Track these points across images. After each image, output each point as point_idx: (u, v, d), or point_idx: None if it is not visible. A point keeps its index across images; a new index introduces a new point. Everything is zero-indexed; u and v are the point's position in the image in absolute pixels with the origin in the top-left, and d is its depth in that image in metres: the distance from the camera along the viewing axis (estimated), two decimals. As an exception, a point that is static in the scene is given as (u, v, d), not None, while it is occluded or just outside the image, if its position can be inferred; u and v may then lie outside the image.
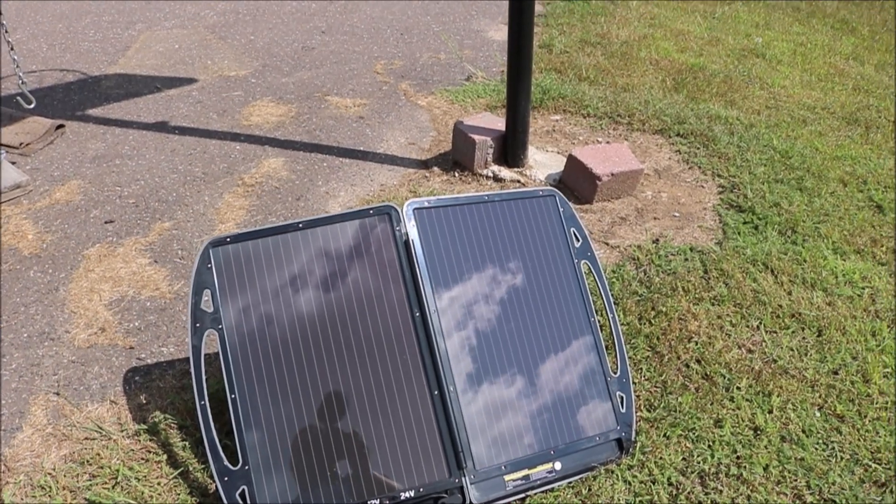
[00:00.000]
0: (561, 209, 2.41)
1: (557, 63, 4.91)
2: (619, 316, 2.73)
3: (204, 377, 2.00)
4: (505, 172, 3.56)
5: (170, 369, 2.49)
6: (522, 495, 2.10)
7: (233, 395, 1.98)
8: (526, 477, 2.11)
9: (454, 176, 3.62)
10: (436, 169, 3.69)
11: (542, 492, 2.12)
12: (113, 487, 2.04)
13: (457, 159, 3.70)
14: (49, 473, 2.09)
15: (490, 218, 2.29)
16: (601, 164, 3.37)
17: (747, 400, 2.46)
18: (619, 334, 2.39)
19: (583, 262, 2.40)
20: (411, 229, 2.16)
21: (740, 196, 3.50)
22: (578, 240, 2.42)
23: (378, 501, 1.96)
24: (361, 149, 3.89)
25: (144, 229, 3.19)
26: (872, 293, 2.97)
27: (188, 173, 3.62)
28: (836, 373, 2.59)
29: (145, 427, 2.23)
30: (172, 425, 2.23)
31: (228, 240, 2.08)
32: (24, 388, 2.39)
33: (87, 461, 2.12)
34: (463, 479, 2.02)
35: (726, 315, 2.79)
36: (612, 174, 3.34)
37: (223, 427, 2.13)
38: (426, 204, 2.21)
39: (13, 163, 3.61)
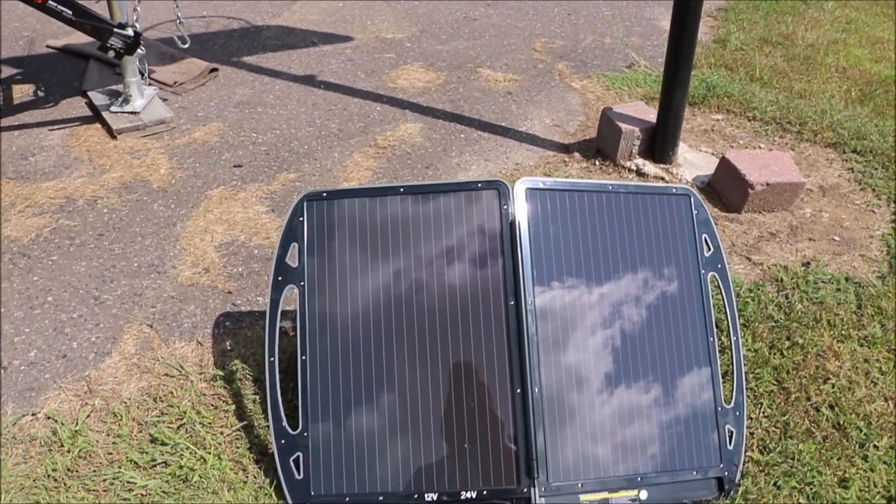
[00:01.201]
0: (695, 212, 2.14)
1: (730, 60, 4.49)
2: (746, 341, 2.41)
3: (278, 334, 1.92)
4: (649, 167, 3.28)
5: (261, 320, 2.45)
6: (598, 521, 1.88)
7: (303, 357, 1.89)
8: (604, 501, 1.89)
9: (594, 164, 3.38)
10: (577, 155, 3.46)
11: (621, 521, 1.89)
12: (178, 429, 2.02)
13: (600, 147, 3.45)
14: (124, 402, 2.10)
15: (612, 210, 2.06)
16: (757, 171, 3.01)
17: (885, 463, 2.10)
18: (739, 360, 2.10)
19: (711, 273, 2.12)
20: (520, 210, 1.98)
21: (920, 230, 3.02)
22: (710, 248, 2.14)
23: (436, 496, 1.81)
24: (503, 125, 3.72)
25: (269, 178, 3.19)
26: None
27: (324, 128, 3.59)
28: None
29: (222, 374, 2.20)
30: (248, 377, 2.18)
31: (325, 195, 1.99)
32: (122, 316, 2.42)
33: (161, 397, 2.11)
34: (532, 490, 1.83)
35: (876, 360, 2.41)
36: (768, 184, 2.98)
37: (295, 389, 2.05)
38: (541, 185, 2.02)
39: (164, 99, 3.73)
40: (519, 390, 1.88)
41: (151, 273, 2.62)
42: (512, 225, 1.97)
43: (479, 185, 1.99)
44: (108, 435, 2.00)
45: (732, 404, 2.05)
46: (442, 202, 1.98)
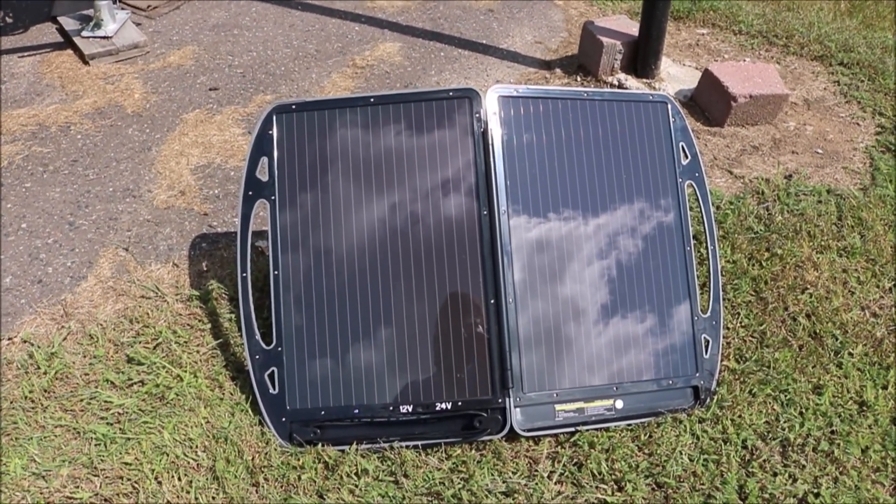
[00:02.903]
0: (672, 119, 2.10)
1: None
2: (725, 252, 2.40)
3: (249, 249, 1.90)
4: (631, 82, 3.21)
5: (237, 240, 2.42)
6: (572, 429, 1.90)
7: (276, 272, 1.87)
8: (580, 410, 1.90)
9: (576, 80, 3.31)
10: (558, 71, 3.38)
11: (596, 429, 1.91)
12: (154, 348, 2.01)
13: (582, 63, 3.38)
14: (100, 324, 2.09)
15: (587, 118, 2.02)
16: (740, 83, 2.95)
17: (859, 370, 2.12)
18: (716, 270, 2.09)
19: (688, 181, 2.09)
20: (492, 118, 1.93)
21: (904, 141, 2.99)
22: (687, 156, 2.10)
23: (411, 408, 1.82)
24: (484, 42, 3.63)
25: (245, 100, 3.12)
26: None
27: (301, 49, 3.50)
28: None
29: (198, 294, 2.19)
30: (224, 296, 2.17)
31: (294, 107, 1.94)
32: (97, 240, 2.40)
33: (137, 319, 2.10)
34: (507, 399, 1.84)
35: (854, 270, 2.41)
36: (751, 96, 2.92)
37: (267, 306, 2.04)
38: (514, 93, 1.97)
39: (137, 24, 3.62)
40: (493, 301, 1.87)
41: (127, 197, 2.58)
42: (484, 134, 1.93)
43: (450, 93, 1.94)
44: (85, 356, 2.00)
45: (709, 314, 2.05)
46: (413, 111, 1.93)
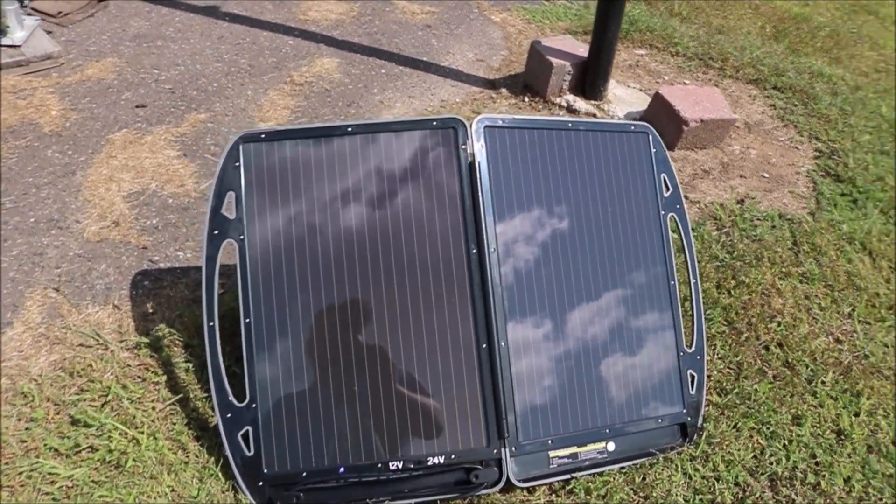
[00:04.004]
0: (653, 150, 2.05)
1: (645, -8, 4.43)
2: (695, 282, 2.38)
3: (216, 294, 1.71)
4: (580, 104, 3.18)
5: (183, 277, 2.21)
6: (567, 476, 1.81)
7: (247, 320, 1.69)
8: (574, 455, 1.82)
9: (523, 101, 3.25)
10: (504, 91, 3.31)
11: (591, 474, 1.83)
12: (102, 406, 1.79)
13: (528, 83, 3.32)
14: (34, 380, 1.84)
15: (571, 148, 1.94)
16: (690, 107, 2.97)
17: (832, 398, 2.13)
18: (699, 303, 2.05)
19: (670, 214, 2.05)
20: (479, 150, 1.82)
21: (839, 164, 3.08)
22: (668, 188, 2.06)
23: (401, 464, 1.68)
24: (425, 59, 3.52)
25: (177, 119, 2.89)
26: None
27: (233, 63, 3.28)
28: (935, 380, 2.24)
29: (147, 341, 1.97)
30: (177, 342, 1.96)
31: (263, 136, 1.76)
32: (21, 280, 2.13)
33: (78, 372, 1.86)
34: (503, 450, 1.73)
35: (815, 296, 2.44)
36: (702, 120, 2.94)
37: (233, 353, 1.85)
38: (499, 122, 1.87)
39: (48, 32, 3.30)
40: (485, 345, 1.76)
41: (52, 229, 2.31)
42: (472, 166, 1.81)
43: (435, 122, 1.82)
44: (20, 419, 1.75)
45: (693, 348, 2.01)
46: (394, 142, 1.80)
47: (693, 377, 1.99)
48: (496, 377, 1.75)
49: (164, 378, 1.87)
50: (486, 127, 1.84)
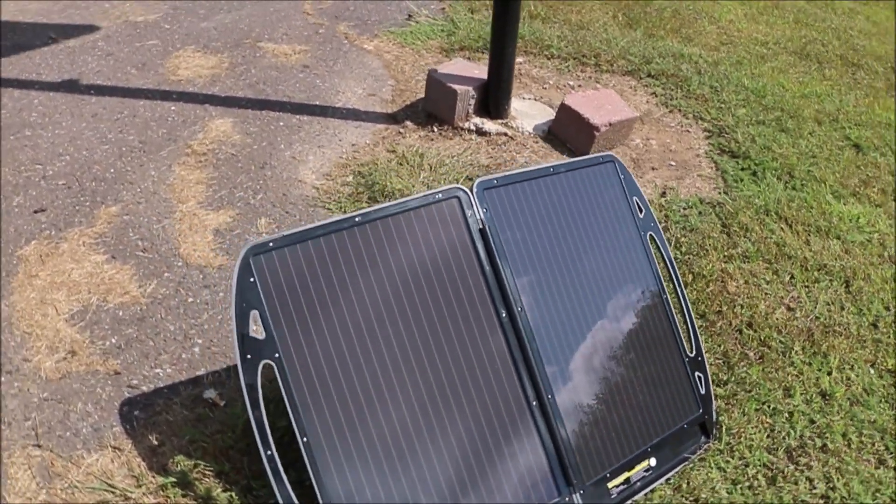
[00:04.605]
0: (621, 176, 2.15)
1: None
2: (662, 284, 2.53)
3: (266, 420, 1.61)
4: (489, 125, 3.24)
5: (174, 396, 2.06)
6: (627, 502, 1.89)
7: (305, 439, 1.61)
8: (627, 480, 1.90)
9: (432, 131, 3.26)
10: (409, 123, 3.31)
11: (644, 494, 1.92)
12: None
13: (431, 111, 3.34)
14: (66, 556, 1.66)
15: (558, 191, 2.00)
16: (596, 113, 3.12)
17: (807, 363, 2.36)
18: (689, 309, 2.19)
19: (648, 233, 2.16)
20: (484, 213, 1.84)
21: (731, 141, 3.36)
22: (642, 210, 2.17)
23: (488, 539, 1.68)
24: (317, 103, 3.43)
25: (87, 217, 2.65)
26: (881, 238, 2.93)
27: (122, 143, 3.04)
28: (875, 325, 2.53)
29: (172, 479, 1.82)
30: (207, 473, 1.83)
31: (271, 244, 1.67)
32: (-7, 442, 1.89)
33: (113, 534, 1.69)
34: (573, 495, 1.78)
35: (759, 272, 2.67)
36: (610, 123, 3.10)
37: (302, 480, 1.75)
38: (494, 182, 1.89)
39: None
40: (535, 402, 1.79)
41: (0, 375, 2.06)
42: (482, 232, 1.82)
43: (439, 195, 1.81)
44: None
45: (694, 351, 2.15)
46: (404, 225, 1.77)
47: (700, 378, 2.13)
48: (553, 429, 1.78)
49: (210, 516, 1.75)
50: (485, 189, 1.86)
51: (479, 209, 1.83)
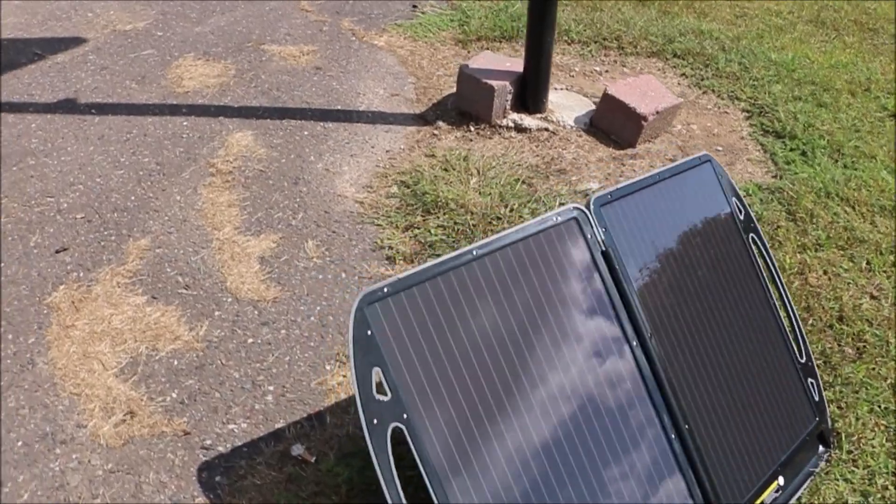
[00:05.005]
0: (720, 178, 2.00)
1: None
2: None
3: (400, 489, 1.43)
4: (528, 120, 3.06)
5: (256, 455, 1.86)
6: (768, 532, 1.76)
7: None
8: (762, 506, 1.77)
9: (469, 130, 3.07)
10: (441, 124, 3.11)
11: (780, 520, 1.79)
12: None
13: (465, 109, 3.14)
14: None
15: (666, 200, 1.84)
16: (641, 101, 2.96)
17: (904, 362, 2.25)
18: (795, 312, 2.05)
19: (750, 235, 2.02)
20: (604, 234, 1.67)
21: (773, 120, 3.24)
22: (741, 211, 2.02)
23: None
24: (339, 107, 3.21)
25: (116, 253, 2.41)
26: (945, 211, 2.84)
27: (138, 166, 2.80)
28: (959, 308, 2.44)
29: (284, 553, 1.63)
30: (321, 542, 1.65)
31: (386, 290, 1.48)
32: (66, 529, 1.68)
33: None
34: (722, 536, 1.64)
35: (836, 261, 2.55)
36: (658, 112, 2.95)
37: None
38: (609, 197, 1.72)
39: None
40: (674, 434, 1.64)
41: (54, 447, 1.84)
42: (605, 255, 1.66)
43: (556, 218, 1.63)
44: None
45: (804, 357, 2.02)
46: (524, 254, 1.59)
47: (813, 384, 2.01)
48: (693, 462, 1.64)
49: None
50: (601, 206, 1.69)
51: (598, 229, 1.66)
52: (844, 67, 3.74)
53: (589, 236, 1.65)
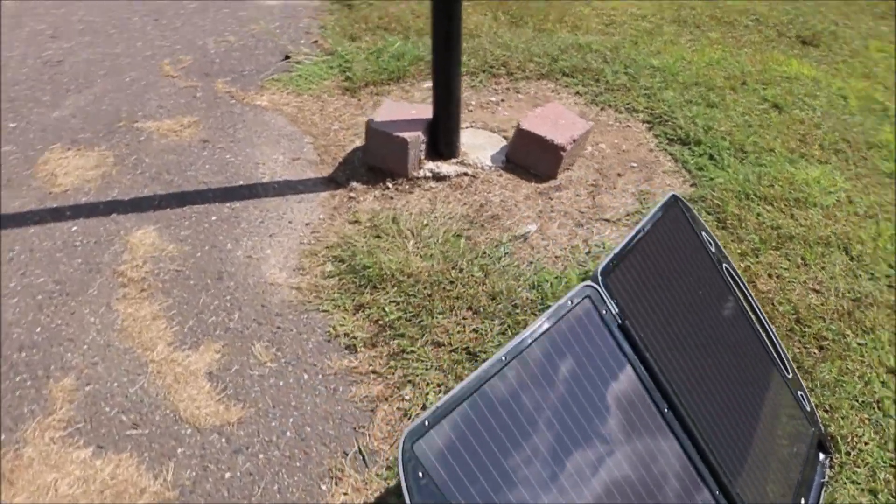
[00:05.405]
0: (687, 214, 1.99)
1: (377, 21, 4.22)
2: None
3: None
4: (445, 167, 2.97)
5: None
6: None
7: None
8: (796, 537, 1.78)
9: (387, 187, 2.93)
10: (355, 184, 2.96)
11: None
12: None
13: (376, 165, 3.01)
14: None
15: (654, 251, 1.81)
16: (556, 131, 2.94)
17: (863, 345, 2.36)
18: (773, 331, 2.09)
19: (724, 266, 2.03)
20: (615, 305, 1.61)
21: (675, 128, 3.32)
22: (711, 243, 2.03)
23: None
24: (240, 183, 2.98)
25: (38, 402, 2.10)
26: (847, 195, 3.01)
27: (33, 289, 2.46)
28: (892, 286, 2.59)
29: None
30: None
31: (427, 423, 1.35)
32: None
33: None
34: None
35: (775, 263, 2.64)
36: (574, 140, 2.94)
37: None
38: (611, 266, 1.66)
39: None
40: (718, 491, 1.61)
41: None
42: (622, 328, 1.60)
43: (571, 301, 1.55)
44: None
45: (790, 372, 2.06)
46: (549, 345, 1.50)
47: (802, 396, 2.05)
48: (743, 519, 1.62)
49: None
50: (608, 276, 1.63)
51: (611, 303, 1.60)
52: (718, 64, 3.91)
53: (604, 312, 1.58)
